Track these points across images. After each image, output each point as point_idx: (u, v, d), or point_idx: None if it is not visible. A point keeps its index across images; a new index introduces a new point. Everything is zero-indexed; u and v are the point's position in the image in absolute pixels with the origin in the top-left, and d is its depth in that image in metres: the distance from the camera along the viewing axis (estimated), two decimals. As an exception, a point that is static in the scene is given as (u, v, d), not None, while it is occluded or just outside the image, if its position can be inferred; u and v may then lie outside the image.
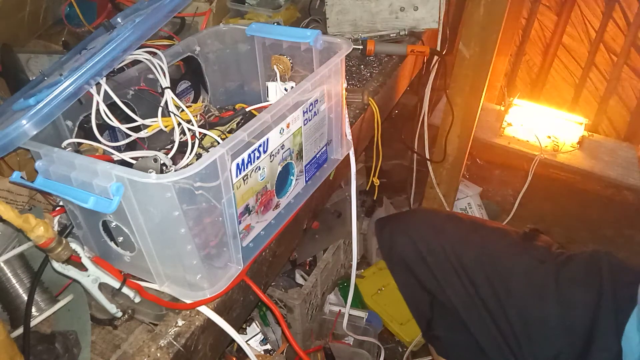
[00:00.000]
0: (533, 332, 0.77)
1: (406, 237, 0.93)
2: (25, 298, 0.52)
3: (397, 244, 0.94)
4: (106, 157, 0.53)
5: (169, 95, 0.58)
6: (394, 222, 1.00)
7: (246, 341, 1.14)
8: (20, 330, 0.50)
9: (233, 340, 0.57)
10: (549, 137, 1.81)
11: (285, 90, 0.67)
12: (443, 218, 0.95)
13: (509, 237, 0.87)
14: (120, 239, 0.51)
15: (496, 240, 0.88)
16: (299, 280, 1.25)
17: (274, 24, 0.97)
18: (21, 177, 0.47)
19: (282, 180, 0.61)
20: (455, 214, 1.00)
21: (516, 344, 0.78)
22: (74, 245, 0.49)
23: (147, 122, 0.58)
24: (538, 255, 0.82)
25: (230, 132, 0.62)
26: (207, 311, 0.52)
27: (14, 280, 0.53)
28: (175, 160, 0.56)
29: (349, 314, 1.29)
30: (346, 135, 0.73)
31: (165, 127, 0.59)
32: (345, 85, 0.67)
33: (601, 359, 0.65)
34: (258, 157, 0.53)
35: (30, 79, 0.76)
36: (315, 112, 0.62)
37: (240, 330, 1.18)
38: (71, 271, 0.49)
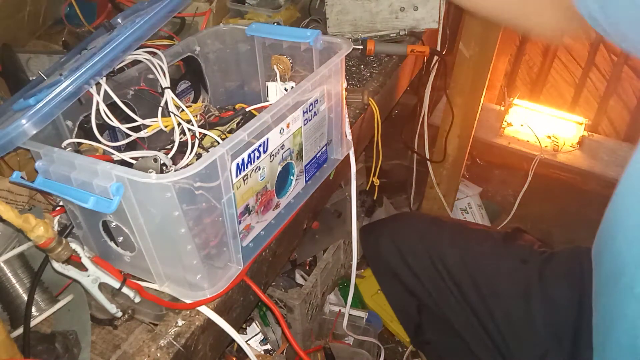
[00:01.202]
0: (519, 333, 0.77)
1: (390, 242, 0.93)
2: (25, 298, 0.52)
3: (382, 250, 0.94)
4: (106, 157, 0.53)
5: (169, 95, 0.58)
6: (378, 228, 1.01)
7: (246, 341, 1.14)
8: (20, 330, 0.50)
9: (233, 340, 0.57)
10: (549, 137, 1.81)
11: (285, 90, 0.67)
12: (427, 222, 0.96)
13: (492, 239, 0.88)
14: (120, 239, 0.51)
15: (479, 242, 0.88)
16: (299, 280, 1.25)
17: (274, 24, 0.97)
18: (21, 177, 0.47)
19: (282, 180, 0.61)
20: (440, 217, 1.00)
21: (504, 345, 0.79)
22: (74, 245, 0.49)
23: (147, 122, 0.58)
24: (521, 255, 0.83)
25: (230, 132, 0.62)
26: (207, 311, 0.52)
27: (14, 280, 0.53)
28: (175, 160, 0.56)
29: (349, 314, 1.29)
30: (346, 135, 0.73)
31: (165, 127, 0.59)
32: (345, 85, 0.67)
33: (588, 356, 0.65)
34: (258, 157, 0.53)
35: (30, 79, 0.76)
36: (315, 112, 0.62)
37: (240, 330, 1.18)
38: (71, 271, 0.49)
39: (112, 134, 0.61)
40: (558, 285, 0.76)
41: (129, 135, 0.59)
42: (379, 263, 0.98)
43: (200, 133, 0.58)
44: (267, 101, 0.68)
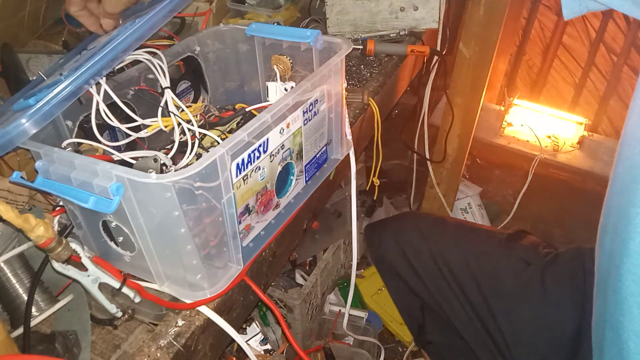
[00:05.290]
0: (521, 334, 0.77)
1: (393, 242, 0.93)
2: (25, 298, 0.52)
3: (385, 250, 0.94)
4: (106, 157, 0.53)
5: (169, 95, 0.58)
6: (381, 228, 1.01)
7: (246, 341, 1.14)
8: (20, 330, 0.50)
9: (233, 340, 0.57)
10: (549, 137, 1.81)
11: (285, 90, 0.67)
12: (430, 222, 0.96)
13: (495, 239, 0.88)
14: (120, 239, 0.51)
15: (482, 242, 0.88)
16: (299, 280, 1.25)
17: (274, 24, 0.97)
18: (21, 177, 0.47)
19: (282, 180, 0.61)
20: (443, 217, 1.00)
21: (505, 346, 0.79)
22: (74, 245, 0.49)
23: (147, 122, 0.58)
24: (524, 256, 0.82)
25: (230, 132, 0.62)
26: (207, 311, 0.52)
27: (14, 280, 0.53)
28: (175, 160, 0.56)
29: (349, 314, 1.29)
30: (346, 135, 0.73)
31: (165, 127, 0.59)
32: (345, 85, 0.67)
33: (589, 358, 0.65)
34: (258, 157, 0.53)
35: (30, 79, 0.76)
36: (315, 112, 0.62)
37: (240, 330, 1.18)
38: (71, 271, 0.49)
39: (112, 134, 0.61)
40: (560, 287, 0.76)
41: (129, 135, 0.59)
42: (382, 263, 0.98)
43: (200, 133, 0.58)
44: (267, 101, 0.68)
